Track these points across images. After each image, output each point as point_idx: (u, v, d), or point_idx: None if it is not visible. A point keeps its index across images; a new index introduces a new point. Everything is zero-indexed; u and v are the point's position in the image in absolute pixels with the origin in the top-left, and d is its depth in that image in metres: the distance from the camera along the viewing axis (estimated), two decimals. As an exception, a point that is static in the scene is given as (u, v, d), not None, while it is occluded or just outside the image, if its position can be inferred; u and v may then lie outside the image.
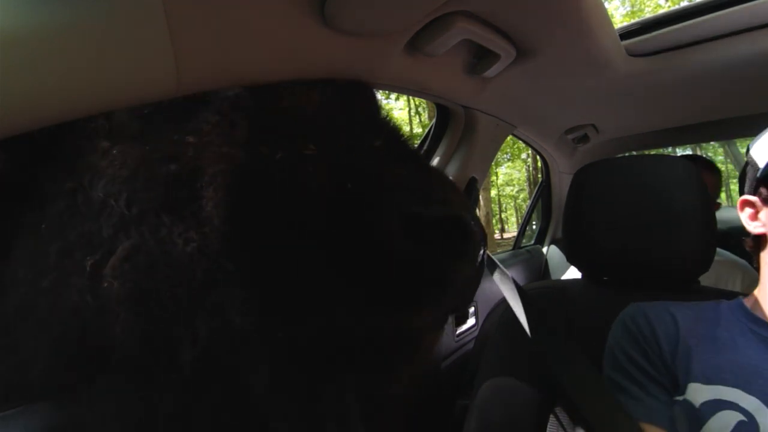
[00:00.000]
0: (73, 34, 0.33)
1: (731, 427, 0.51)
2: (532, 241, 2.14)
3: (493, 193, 14.77)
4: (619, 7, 8.80)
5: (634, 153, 1.92)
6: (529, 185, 13.97)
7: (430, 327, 0.45)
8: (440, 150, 1.14)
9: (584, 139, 1.63)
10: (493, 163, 1.66)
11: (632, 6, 8.40)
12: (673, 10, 1.00)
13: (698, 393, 0.55)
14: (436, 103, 1.05)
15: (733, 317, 0.61)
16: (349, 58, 0.55)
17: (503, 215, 19.72)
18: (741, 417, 0.51)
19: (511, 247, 2.08)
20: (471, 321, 1.33)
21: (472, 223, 0.41)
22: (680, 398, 0.57)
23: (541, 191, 2.08)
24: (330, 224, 0.39)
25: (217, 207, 0.39)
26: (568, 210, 0.88)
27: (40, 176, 0.40)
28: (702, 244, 0.75)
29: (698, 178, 0.77)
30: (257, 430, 0.43)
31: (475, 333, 1.34)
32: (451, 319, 1.22)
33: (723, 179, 1.40)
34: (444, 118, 1.13)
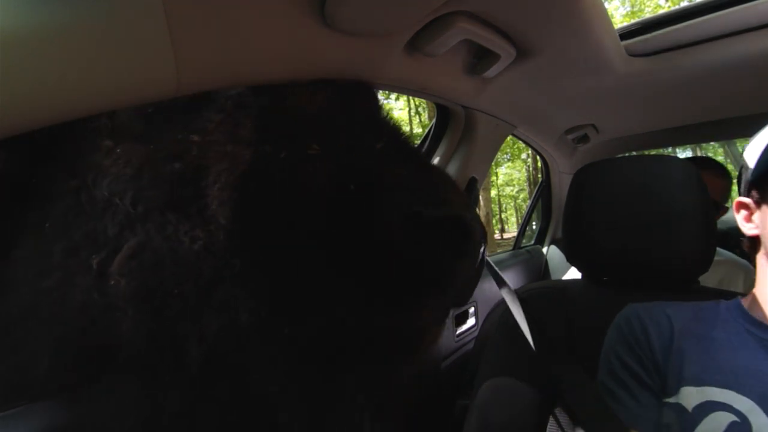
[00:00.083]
0: (73, 34, 0.33)
1: (723, 428, 0.51)
2: (532, 242, 2.14)
3: (493, 193, 14.77)
4: (619, 7, 8.80)
5: (634, 153, 1.92)
6: (529, 185, 13.97)
7: (432, 323, 0.46)
8: (440, 150, 1.14)
9: (584, 139, 1.63)
10: (493, 163, 1.66)
11: (632, 6, 8.40)
12: (673, 10, 1.00)
13: (691, 396, 0.55)
14: (436, 103, 1.05)
15: (730, 317, 0.61)
16: (349, 58, 0.55)
17: (503, 215, 19.73)
18: (733, 418, 0.52)
19: (511, 247, 2.08)
20: (471, 321, 1.33)
21: (473, 222, 0.42)
22: (673, 401, 0.57)
23: (541, 191, 2.08)
24: (333, 223, 0.40)
25: (223, 205, 0.39)
26: (568, 210, 0.88)
27: (42, 176, 0.40)
28: (702, 244, 0.75)
29: (698, 178, 0.77)
30: (265, 426, 0.44)
31: (475, 333, 1.34)
32: (451, 319, 1.22)
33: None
34: (444, 118, 1.13)
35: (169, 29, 0.36)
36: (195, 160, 0.41)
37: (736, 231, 0.70)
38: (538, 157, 2.00)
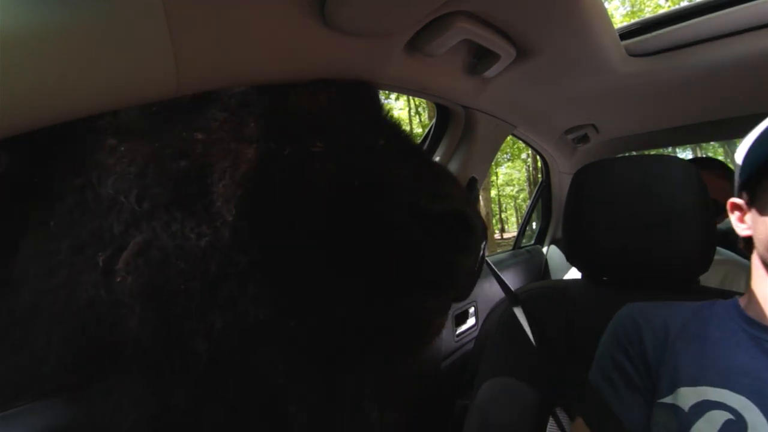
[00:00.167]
0: (73, 34, 0.33)
1: (719, 426, 0.52)
2: (532, 241, 2.14)
3: (493, 193, 14.77)
4: (619, 7, 8.80)
5: (634, 153, 1.92)
6: (529, 185, 13.97)
7: (434, 317, 0.46)
8: (440, 150, 1.14)
9: (584, 139, 1.63)
10: (493, 163, 1.66)
11: (632, 6, 8.40)
12: (673, 10, 1.00)
13: (687, 396, 0.56)
14: (436, 103, 1.05)
15: (727, 317, 0.62)
16: (349, 58, 0.55)
17: (503, 215, 19.73)
18: (729, 416, 0.52)
19: (511, 247, 2.08)
20: (471, 321, 1.33)
21: (474, 216, 0.42)
22: (669, 401, 0.57)
23: (541, 191, 2.08)
24: (336, 219, 0.40)
25: (228, 202, 0.39)
26: (568, 210, 0.88)
27: (46, 175, 0.41)
28: (702, 244, 0.75)
29: (698, 178, 0.77)
30: (272, 422, 0.44)
31: (475, 333, 1.34)
32: (451, 319, 1.22)
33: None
34: (444, 118, 1.13)
35: (169, 29, 0.36)
36: (200, 157, 0.41)
37: (734, 231, 0.70)
38: (538, 157, 1.99)
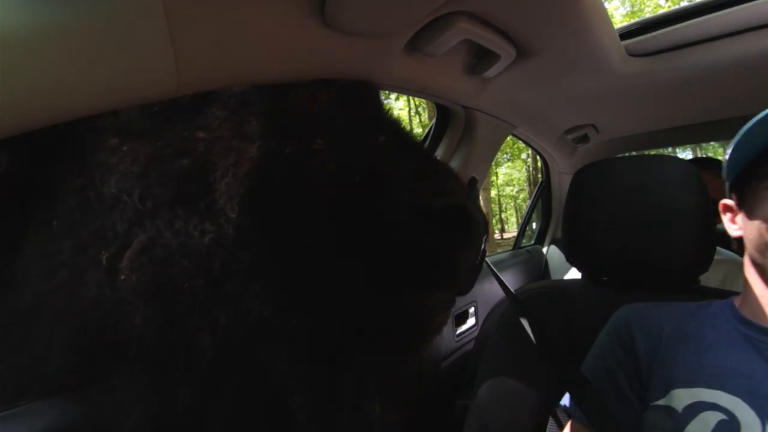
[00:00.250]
0: (73, 34, 0.33)
1: (712, 427, 0.52)
2: (532, 241, 2.14)
3: (493, 193, 14.77)
4: (619, 7, 8.80)
5: (634, 153, 1.92)
6: (529, 185, 13.97)
7: (437, 311, 0.47)
8: (440, 150, 1.14)
9: (584, 139, 1.63)
10: (493, 163, 1.66)
11: (632, 6, 8.40)
12: (673, 10, 1.00)
13: (681, 397, 0.56)
14: (436, 103, 1.05)
15: (722, 317, 0.62)
16: (349, 58, 0.55)
17: (503, 215, 19.72)
18: (722, 416, 0.52)
19: (511, 247, 2.08)
20: (471, 321, 1.33)
21: (474, 210, 0.43)
22: (663, 403, 0.57)
23: (541, 191, 2.08)
24: (338, 215, 0.41)
25: (231, 199, 0.40)
26: (567, 210, 0.88)
27: (48, 175, 0.41)
28: (702, 244, 0.75)
29: (698, 178, 0.77)
30: (276, 418, 0.44)
31: (475, 333, 1.34)
32: (451, 319, 1.22)
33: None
34: (444, 118, 1.13)
35: (169, 29, 0.36)
36: (202, 156, 0.41)
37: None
38: (538, 157, 1.99)
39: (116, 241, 0.39)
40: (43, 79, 0.33)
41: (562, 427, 0.72)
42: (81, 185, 0.40)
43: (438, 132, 1.15)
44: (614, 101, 1.26)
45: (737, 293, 0.67)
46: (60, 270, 0.39)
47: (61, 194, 0.40)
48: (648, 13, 7.70)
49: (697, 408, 0.54)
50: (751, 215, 0.59)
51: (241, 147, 0.42)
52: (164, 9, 0.35)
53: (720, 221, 0.68)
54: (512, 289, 0.80)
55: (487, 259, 0.60)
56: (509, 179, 16.51)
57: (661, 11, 1.26)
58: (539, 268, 1.99)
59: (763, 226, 0.56)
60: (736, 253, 1.11)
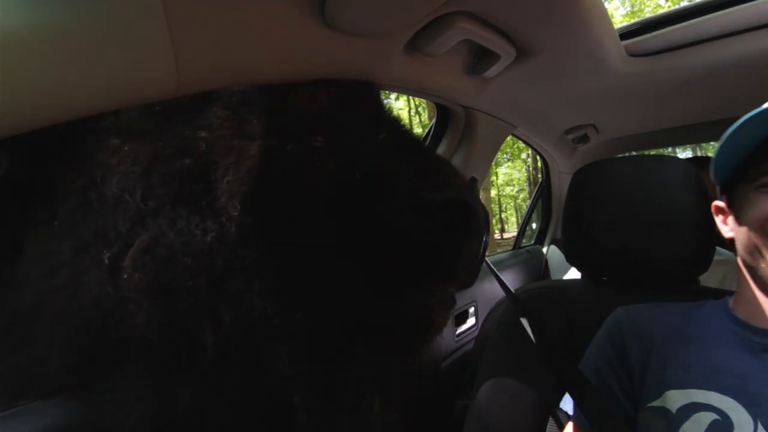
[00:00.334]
0: (73, 34, 0.33)
1: (705, 427, 0.53)
2: (532, 241, 2.14)
3: (493, 193, 14.76)
4: (619, 7, 8.80)
5: (634, 153, 1.92)
6: (529, 185, 13.96)
7: (439, 309, 0.47)
8: (440, 150, 1.14)
9: (584, 139, 1.63)
10: (493, 163, 1.66)
11: (632, 6, 8.40)
12: (673, 10, 1.00)
13: (675, 398, 0.56)
14: (436, 103, 1.05)
15: (716, 317, 0.63)
16: (349, 58, 0.55)
17: (503, 215, 19.72)
18: (715, 416, 0.53)
19: (511, 247, 2.08)
20: (471, 321, 1.33)
21: (475, 204, 0.43)
22: (657, 405, 0.58)
23: (541, 191, 2.08)
24: (340, 212, 0.41)
25: (233, 198, 0.40)
26: (567, 210, 0.88)
27: (49, 176, 0.41)
28: (701, 244, 0.75)
29: (698, 179, 0.77)
30: (277, 418, 0.44)
31: (475, 333, 1.34)
32: (451, 319, 1.22)
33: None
34: (444, 118, 1.13)
35: (169, 29, 0.36)
36: (203, 155, 0.41)
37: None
38: (538, 157, 1.99)
39: (118, 240, 0.39)
40: (43, 79, 0.33)
41: (562, 427, 0.72)
42: (82, 185, 0.40)
43: (438, 132, 1.15)
44: (614, 101, 1.26)
45: (734, 293, 0.67)
46: (61, 270, 0.39)
47: (62, 194, 0.40)
48: (648, 13, 7.70)
49: (690, 409, 0.55)
50: (739, 217, 0.60)
51: (242, 146, 0.42)
52: (164, 9, 0.35)
53: None
54: (512, 289, 0.80)
55: (487, 259, 0.61)
56: (509, 179, 16.51)
57: (661, 11, 1.26)
58: (539, 268, 1.99)
59: (752, 228, 0.57)
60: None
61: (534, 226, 2.25)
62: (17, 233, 0.40)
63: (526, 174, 14.94)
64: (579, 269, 0.91)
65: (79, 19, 0.33)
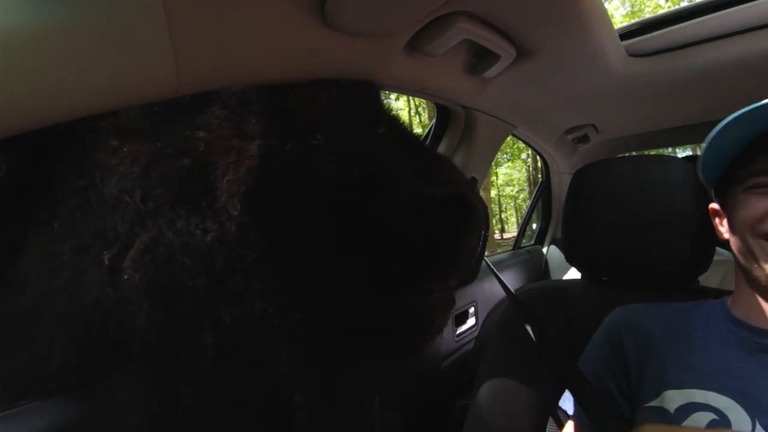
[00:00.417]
0: (73, 34, 0.33)
1: (703, 427, 0.53)
2: (532, 242, 2.14)
3: (493, 193, 14.76)
4: (619, 7, 8.80)
5: (634, 153, 1.92)
6: (529, 185, 13.96)
7: (439, 309, 0.47)
8: (440, 150, 1.14)
9: (584, 139, 1.63)
10: (493, 163, 1.66)
11: (632, 6, 8.40)
12: (673, 10, 1.00)
13: (673, 398, 0.56)
14: (436, 103, 1.05)
15: (714, 316, 0.63)
16: (349, 58, 0.55)
17: (503, 215, 19.72)
18: (713, 416, 0.53)
19: (511, 247, 2.08)
20: (471, 321, 1.33)
21: (475, 199, 0.43)
22: (655, 404, 0.58)
23: (541, 191, 2.08)
24: (340, 209, 0.41)
25: (232, 197, 0.40)
26: (567, 210, 0.88)
27: (48, 176, 0.41)
28: (701, 244, 0.75)
29: (698, 179, 0.77)
30: (277, 418, 0.44)
31: (475, 333, 1.34)
32: (451, 319, 1.22)
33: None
34: (444, 118, 1.13)
35: (169, 29, 0.36)
36: (202, 155, 0.41)
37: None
38: (538, 157, 1.99)
39: (118, 241, 0.39)
40: (43, 79, 0.33)
41: (562, 426, 0.72)
42: (82, 186, 0.40)
43: (438, 132, 1.15)
44: (614, 101, 1.26)
45: (729, 293, 0.68)
46: (61, 270, 0.39)
47: (62, 195, 0.40)
48: (648, 13, 7.69)
49: (688, 409, 0.55)
50: (731, 219, 0.61)
51: (242, 145, 0.42)
52: (164, 9, 0.35)
53: None
54: (512, 289, 0.80)
55: (487, 259, 0.61)
56: (509, 179, 16.50)
57: (661, 11, 1.26)
58: (539, 268, 1.99)
59: (743, 229, 0.57)
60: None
61: (534, 226, 2.25)
62: (17, 233, 0.40)
63: (526, 174, 14.94)
64: (579, 269, 0.91)
65: (79, 19, 0.33)
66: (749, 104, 0.57)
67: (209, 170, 0.41)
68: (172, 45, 0.37)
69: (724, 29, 0.94)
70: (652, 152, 1.94)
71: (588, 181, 0.87)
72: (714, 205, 0.67)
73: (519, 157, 13.51)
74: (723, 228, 0.65)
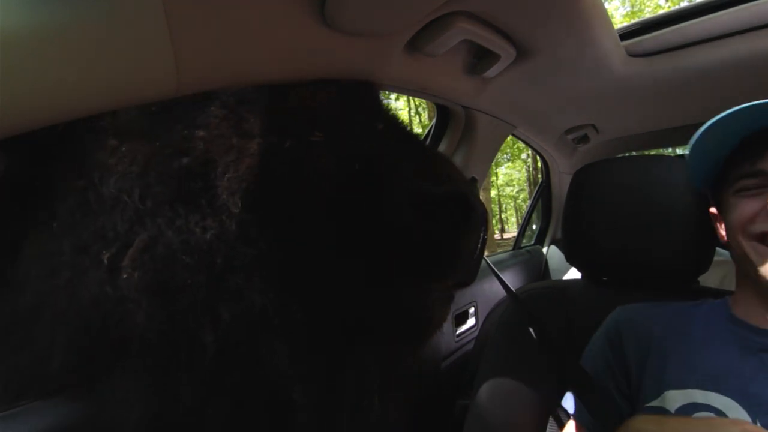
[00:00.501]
0: (73, 34, 0.33)
1: None
2: (532, 242, 2.14)
3: (493, 193, 14.76)
4: (619, 7, 8.80)
5: (634, 153, 1.92)
6: (529, 185, 13.96)
7: (437, 306, 0.47)
8: (440, 150, 1.14)
9: (584, 139, 1.63)
10: (493, 163, 1.66)
11: (632, 6, 8.39)
12: (673, 10, 1.00)
13: (674, 398, 0.56)
14: (436, 103, 1.05)
15: (715, 316, 0.63)
16: (349, 58, 0.55)
17: (503, 215, 19.71)
18: (713, 416, 0.53)
19: (511, 247, 2.08)
20: (471, 321, 1.33)
21: (474, 198, 0.43)
22: (656, 404, 0.58)
23: (541, 191, 2.08)
24: (340, 206, 0.41)
25: (232, 195, 0.40)
26: (567, 210, 0.88)
27: (48, 176, 0.41)
28: (701, 244, 0.75)
29: (698, 179, 0.77)
30: (279, 413, 0.44)
31: (475, 333, 1.34)
32: (451, 319, 1.22)
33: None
34: (444, 118, 1.13)
35: (169, 29, 0.36)
36: (202, 154, 0.41)
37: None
38: (538, 157, 1.99)
39: (117, 240, 0.39)
40: (43, 79, 0.33)
41: (562, 426, 0.72)
42: (81, 185, 0.40)
43: (438, 132, 1.15)
44: (614, 101, 1.26)
45: (731, 293, 0.68)
46: (61, 270, 0.39)
47: (62, 194, 0.40)
48: (648, 13, 7.69)
49: (689, 409, 0.55)
50: (726, 222, 0.62)
51: (241, 143, 0.42)
52: (164, 9, 0.35)
53: None
54: (512, 290, 0.80)
55: (487, 258, 0.60)
56: (509, 179, 16.50)
57: (661, 11, 1.26)
58: (539, 268, 1.99)
59: (735, 232, 0.58)
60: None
61: (534, 226, 2.25)
62: (17, 233, 0.40)
63: (526, 174, 14.94)
64: (579, 269, 0.91)
65: (79, 19, 0.33)
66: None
67: (209, 169, 0.41)
68: (172, 45, 0.37)
69: (724, 29, 0.93)
70: (652, 152, 1.94)
71: (588, 181, 0.87)
72: (713, 209, 0.68)
73: (519, 157, 13.51)
74: (723, 231, 0.66)
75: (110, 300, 0.38)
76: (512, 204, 19.27)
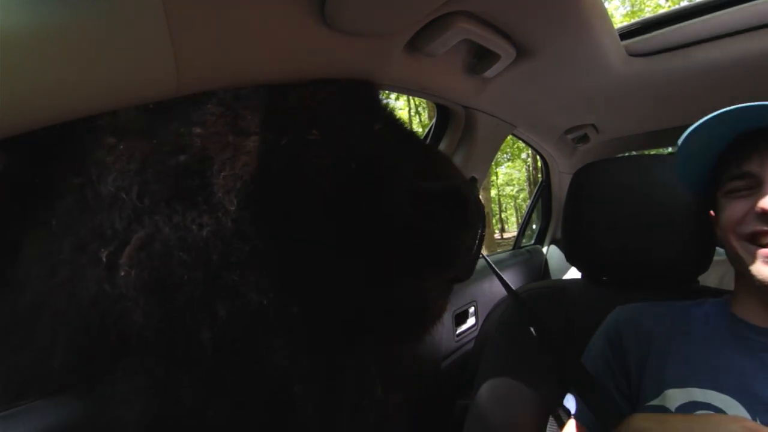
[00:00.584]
0: (73, 34, 0.33)
1: None
2: (532, 241, 2.14)
3: (493, 193, 14.76)
4: (619, 7, 8.80)
5: (634, 153, 1.92)
6: (529, 185, 13.96)
7: (436, 297, 0.47)
8: (440, 149, 1.14)
9: (584, 139, 1.63)
10: (493, 163, 1.66)
11: (632, 6, 8.39)
12: (673, 10, 1.00)
13: (674, 397, 0.57)
14: (436, 103, 1.05)
15: (715, 315, 0.63)
16: (349, 58, 0.55)
17: (503, 215, 19.72)
18: (713, 413, 0.53)
19: (511, 247, 2.08)
20: (471, 321, 1.33)
21: (471, 194, 0.43)
22: (657, 403, 0.58)
23: (541, 191, 2.08)
24: (337, 204, 0.41)
25: (229, 192, 0.40)
26: (567, 210, 0.88)
27: (46, 174, 0.41)
28: (701, 244, 0.75)
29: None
30: (279, 411, 0.44)
31: (475, 333, 1.34)
32: (451, 319, 1.22)
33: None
34: (444, 118, 1.13)
35: (169, 29, 0.36)
36: (199, 151, 0.41)
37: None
38: (538, 157, 1.99)
39: (115, 238, 0.39)
40: (43, 79, 0.33)
41: (562, 426, 0.72)
42: (79, 184, 0.40)
43: (438, 132, 1.15)
44: (614, 101, 1.26)
45: (731, 292, 0.68)
46: (60, 269, 0.39)
47: (61, 193, 0.40)
48: (648, 13, 7.69)
49: (689, 407, 0.55)
50: (718, 223, 0.62)
51: (238, 141, 0.42)
52: (164, 9, 0.35)
53: None
54: (513, 289, 0.80)
55: (487, 258, 0.60)
56: (509, 179, 16.51)
57: (661, 11, 1.26)
58: (539, 268, 1.99)
59: (727, 233, 0.59)
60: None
61: (534, 226, 2.25)
62: (17, 233, 0.40)
63: (526, 174, 14.94)
64: (579, 269, 0.91)
65: (79, 19, 0.33)
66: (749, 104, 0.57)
67: (205, 166, 0.41)
68: (172, 45, 0.37)
69: (724, 29, 0.94)
70: (652, 152, 1.94)
71: (588, 181, 0.87)
72: (712, 212, 0.68)
73: (519, 157, 13.52)
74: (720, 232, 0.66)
75: (109, 298, 0.38)
76: (512, 204, 19.28)
